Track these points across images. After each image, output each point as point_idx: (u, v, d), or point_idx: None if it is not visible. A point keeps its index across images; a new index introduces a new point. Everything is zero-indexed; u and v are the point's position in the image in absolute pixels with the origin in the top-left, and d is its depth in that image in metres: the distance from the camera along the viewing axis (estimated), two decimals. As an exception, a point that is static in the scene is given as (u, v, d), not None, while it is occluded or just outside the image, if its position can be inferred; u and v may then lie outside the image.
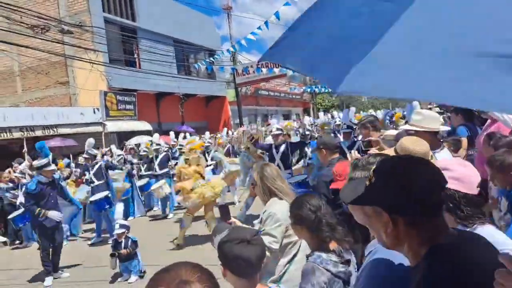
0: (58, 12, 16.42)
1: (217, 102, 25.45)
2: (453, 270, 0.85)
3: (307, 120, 15.45)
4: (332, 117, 15.32)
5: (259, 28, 9.10)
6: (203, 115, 24.94)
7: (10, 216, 7.93)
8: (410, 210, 0.95)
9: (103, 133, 15.37)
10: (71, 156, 12.39)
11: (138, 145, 12.95)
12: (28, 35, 14.28)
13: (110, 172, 8.39)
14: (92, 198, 7.93)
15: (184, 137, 13.10)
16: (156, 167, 9.81)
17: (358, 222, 1.45)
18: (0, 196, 8.67)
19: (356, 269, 1.86)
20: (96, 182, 8.06)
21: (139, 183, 10.00)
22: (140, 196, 10.14)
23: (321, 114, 17.75)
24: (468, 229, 1.40)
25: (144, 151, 10.95)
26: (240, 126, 21.24)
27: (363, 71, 0.82)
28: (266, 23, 8.88)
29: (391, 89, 0.80)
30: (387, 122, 9.93)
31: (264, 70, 21.58)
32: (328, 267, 1.78)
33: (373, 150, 2.77)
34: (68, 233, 8.08)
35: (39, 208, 5.78)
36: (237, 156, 10.30)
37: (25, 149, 11.08)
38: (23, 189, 7.78)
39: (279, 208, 2.59)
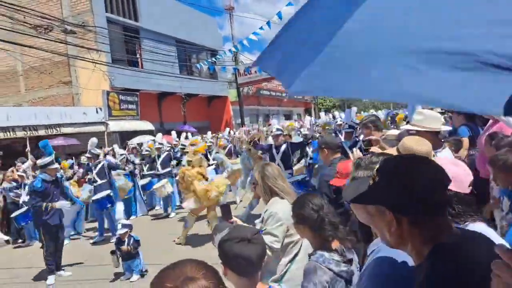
0: (61, 12, 16.47)
1: (219, 102, 25.47)
2: (456, 269, 0.85)
3: (308, 120, 15.45)
4: (334, 117, 15.30)
5: (261, 28, 9.10)
6: (205, 115, 24.96)
7: (12, 215, 7.97)
8: (413, 209, 0.96)
9: (105, 132, 15.40)
10: (73, 158, 12.42)
11: (140, 145, 12.97)
12: (31, 35, 14.32)
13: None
14: (94, 197, 7.96)
15: (186, 137, 13.12)
16: (159, 166, 9.84)
17: (360, 221, 1.46)
18: (3, 195, 8.71)
19: (358, 269, 1.87)
20: (99, 182, 8.08)
21: (141, 182, 10.02)
22: (142, 195, 10.17)
23: (322, 114, 17.73)
24: (460, 226, 1.40)
25: (147, 150, 10.97)
26: (242, 126, 21.25)
27: (312, 72, 0.86)
28: (268, 23, 8.89)
29: (335, 89, 0.85)
30: (388, 122, 9.92)
31: (266, 70, 21.53)
32: (330, 266, 1.78)
33: (374, 149, 2.78)
34: (72, 232, 8.15)
35: (45, 204, 5.82)
36: (238, 156, 10.31)
37: (28, 148, 11.12)
38: (27, 188, 7.83)
39: (281, 208, 2.59)
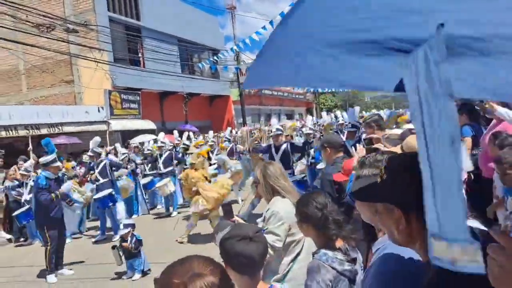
0: (63, 11, 16.48)
1: (220, 102, 25.47)
2: None
3: (310, 119, 15.42)
4: (336, 117, 15.27)
5: (264, 28, 9.09)
6: (206, 114, 24.97)
7: (14, 213, 7.99)
8: (422, 206, 0.95)
9: (107, 131, 15.41)
10: (71, 157, 12.43)
11: (142, 144, 12.97)
12: (33, 33, 14.34)
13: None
14: (96, 196, 7.97)
15: (188, 137, 13.12)
16: (161, 165, 9.84)
17: (364, 220, 1.45)
18: (5, 194, 8.72)
19: (362, 268, 1.86)
20: (101, 180, 8.10)
21: (143, 181, 10.03)
22: (144, 195, 10.17)
23: (324, 113, 17.70)
24: None
25: (148, 150, 10.97)
26: (244, 126, 21.24)
27: (257, 69, 0.98)
28: (271, 22, 8.89)
29: (275, 81, 1.00)
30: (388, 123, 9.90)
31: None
32: (333, 265, 1.77)
33: (379, 145, 2.77)
34: (77, 230, 8.17)
35: (53, 194, 5.88)
36: (239, 158, 10.31)
37: (30, 147, 11.12)
38: (29, 186, 7.84)
39: (282, 207, 2.58)
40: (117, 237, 7.05)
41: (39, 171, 6.57)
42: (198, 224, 7.04)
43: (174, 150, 10.78)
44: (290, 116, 33.43)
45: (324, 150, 3.65)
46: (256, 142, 10.73)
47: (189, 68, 22.97)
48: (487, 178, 3.80)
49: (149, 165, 10.40)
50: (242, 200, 9.36)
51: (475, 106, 5.05)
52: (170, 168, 9.88)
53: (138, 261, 5.53)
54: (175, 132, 13.45)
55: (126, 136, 16.29)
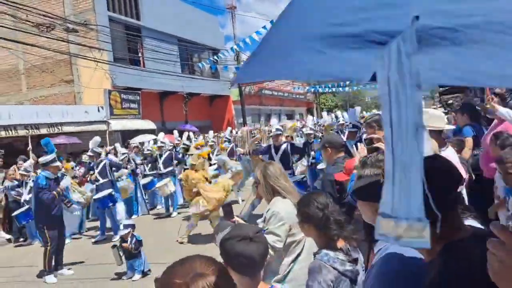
0: (63, 10, 16.47)
1: (220, 101, 25.46)
2: (469, 267, 0.84)
3: (311, 119, 15.41)
4: (336, 117, 15.26)
5: (264, 27, 9.08)
6: (206, 114, 24.96)
7: (14, 213, 7.98)
8: (426, 206, 0.94)
9: (107, 131, 15.39)
10: (70, 157, 12.42)
11: (142, 144, 12.96)
12: (33, 33, 14.32)
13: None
14: (96, 196, 7.96)
15: (188, 137, 13.10)
16: (161, 165, 9.82)
17: (365, 221, 1.44)
18: (5, 194, 8.71)
19: (363, 268, 1.85)
20: (101, 180, 8.08)
21: (143, 181, 10.01)
22: (144, 195, 10.15)
23: (324, 114, 17.69)
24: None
25: (148, 150, 10.95)
26: (244, 126, 21.24)
27: (252, 64, 1.05)
28: (271, 22, 8.86)
29: (265, 74, 1.06)
30: None
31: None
32: (335, 265, 1.76)
33: (379, 145, 2.76)
34: (76, 231, 8.17)
35: (54, 192, 5.89)
36: (239, 159, 10.31)
37: (30, 147, 11.11)
38: (28, 186, 7.82)
39: (283, 207, 2.57)
40: (117, 238, 7.04)
41: (38, 171, 6.56)
42: (198, 225, 7.03)
43: (174, 150, 10.76)
44: (290, 116, 33.43)
45: (325, 150, 3.64)
46: (257, 142, 10.72)
47: (189, 68, 22.96)
48: (488, 179, 3.79)
49: (149, 165, 10.39)
50: (242, 200, 9.35)
51: (476, 107, 5.04)
52: (170, 168, 9.87)
53: (138, 261, 5.52)
54: (175, 132, 13.44)
55: (126, 136, 16.27)
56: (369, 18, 0.70)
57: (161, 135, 11.60)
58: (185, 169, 9.81)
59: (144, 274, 5.51)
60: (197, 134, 16.18)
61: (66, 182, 6.24)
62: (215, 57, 15.22)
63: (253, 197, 7.22)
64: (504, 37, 0.59)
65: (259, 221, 4.46)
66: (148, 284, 5.18)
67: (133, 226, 5.69)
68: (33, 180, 6.50)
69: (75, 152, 13.56)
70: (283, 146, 7.19)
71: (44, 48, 14.40)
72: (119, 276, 5.60)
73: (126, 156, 10.18)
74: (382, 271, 1.24)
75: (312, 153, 8.68)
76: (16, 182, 8.54)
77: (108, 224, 8.04)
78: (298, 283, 2.36)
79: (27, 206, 7.55)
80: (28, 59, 16.25)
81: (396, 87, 0.67)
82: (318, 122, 15.90)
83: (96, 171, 8.15)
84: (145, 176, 10.29)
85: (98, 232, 8.09)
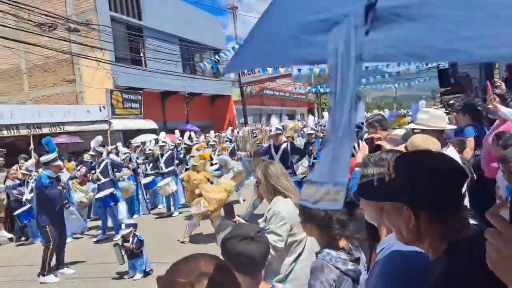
0: (65, 10, 16.50)
1: (222, 101, 25.46)
2: (475, 265, 0.84)
3: (312, 120, 15.41)
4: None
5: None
6: (208, 114, 24.96)
7: (15, 213, 7.99)
8: (432, 204, 0.95)
9: (108, 131, 15.41)
10: (72, 157, 12.44)
11: (144, 143, 12.97)
12: (35, 33, 14.34)
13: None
14: (98, 195, 7.97)
15: (189, 137, 13.10)
16: (162, 165, 9.83)
17: (367, 220, 1.44)
18: (7, 193, 8.73)
19: (365, 268, 1.84)
20: (103, 180, 8.09)
21: (144, 180, 10.02)
22: (145, 194, 10.16)
23: (325, 114, 17.69)
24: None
25: (150, 149, 10.96)
26: (245, 126, 21.23)
27: (238, 56, 1.13)
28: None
29: (253, 64, 1.11)
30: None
31: (270, 69, 21.57)
32: (337, 264, 1.76)
33: (382, 142, 2.76)
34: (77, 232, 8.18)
35: (59, 187, 5.93)
36: (239, 159, 10.31)
37: (32, 146, 11.13)
38: (30, 186, 7.84)
39: (284, 207, 2.57)
40: (118, 237, 7.05)
41: (40, 170, 6.57)
42: (200, 224, 7.03)
43: (175, 150, 10.77)
44: (291, 116, 33.41)
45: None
46: (258, 142, 10.70)
47: (190, 67, 22.98)
48: (489, 179, 3.78)
49: (151, 164, 10.40)
50: (244, 200, 9.36)
51: (478, 107, 5.03)
52: (171, 168, 9.88)
53: (140, 261, 5.52)
54: (177, 132, 13.46)
55: (127, 135, 16.29)
56: (339, 2, 0.75)
57: (162, 135, 11.61)
58: (186, 169, 9.82)
59: (146, 273, 5.52)
60: (199, 134, 16.19)
61: (65, 176, 6.27)
62: (217, 57, 15.22)
63: (255, 197, 7.22)
64: (455, 12, 0.62)
65: (260, 220, 4.45)
66: (150, 284, 5.18)
67: (135, 226, 5.70)
68: (35, 179, 6.48)
69: (77, 151, 13.59)
70: (283, 146, 7.19)
71: (46, 48, 14.43)
72: (121, 275, 5.60)
73: (128, 156, 10.20)
74: (385, 270, 1.23)
75: (314, 153, 8.68)
76: (18, 181, 8.56)
77: (110, 223, 8.05)
78: (300, 283, 2.36)
79: (28, 205, 7.56)
80: (30, 58, 16.27)
81: (342, 58, 0.70)
82: (319, 122, 15.89)
83: (98, 170, 8.16)
84: (146, 175, 10.30)
85: (100, 232, 8.10)
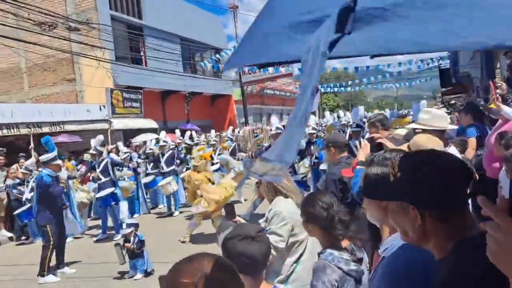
0: (65, 9, 16.49)
1: (222, 101, 25.46)
2: (482, 265, 0.83)
3: (313, 119, 15.39)
4: (338, 117, 15.24)
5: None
6: (208, 113, 24.96)
7: (16, 212, 7.98)
8: (439, 204, 0.94)
9: (109, 130, 15.41)
10: (72, 156, 12.43)
11: (145, 143, 12.97)
12: (35, 32, 14.34)
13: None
14: (98, 195, 7.95)
15: (190, 136, 13.08)
16: (163, 165, 9.82)
17: (369, 220, 1.42)
18: (7, 192, 8.71)
19: (368, 268, 1.83)
20: (103, 179, 8.07)
21: (145, 180, 10.00)
22: (145, 194, 10.15)
23: (327, 113, 17.67)
24: None
25: (150, 149, 10.95)
26: (246, 125, 21.23)
27: (237, 54, 1.21)
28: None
29: (251, 60, 1.15)
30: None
31: (270, 69, 21.56)
32: (339, 265, 1.75)
33: (383, 140, 2.75)
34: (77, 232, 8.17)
35: (61, 184, 5.97)
36: (240, 160, 10.31)
37: (32, 145, 11.12)
38: (30, 185, 7.82)
39: (285, 207, 2.55)
40: (118, 236, 7.03)
41: (40, 169, 6.56)
42: (201, 224, 7.02)
43: (176, 149, 10.76)
44: (292, 116, 33.35)
45: (329, 149, 3.62)
46: (259, 142, 10.68)
47: (191, 67, 22.97)
48: (491, 179, 3.76)
49: (151, 164, 10.39)
50: (245, 200, 9.34)
51: (480, 107, 5.01)
52: (172, 167, 9.86)
53: (141, 261, 5.50)
54: (177, 131, 13.45)
55: (128, 135, 16.28)
56: (325, 4, 0.83)
57: (163, 134, 11.60)
58: (187, 168, 9.81)
59: (148, 274, 5.50)
60: (199, 133, 16.18)
61: (63, 175, 6.27)
62: (217, 56, 15.21)
63: (255, 197, 7.21)
64: (422, 12, 0.73)
65: (261, 221, 4.44)
66: (151, 283, 5.17)
67: (136, 225, 5.67)
68: (36, 178, 6.46)
69: (77, 150, 13.58)
70: None
71: (46, 47, 14.42)
72: (122, 275, 5.59)
73: (128, 155, 10.18)
74: (388, 270, 1.23)
75: (316, 153, 8.66)
76: (18, 181, 8.55)
77: (110, 222, 8.03)
78: (301, 283, 2.35)
79: (28, 205, 7.54)
80: (30, 57, 16.27)
81: (312, 53, 0.77)
82: (319, 123, 15.88)
83: (98, 170, 8.15)
84: (147, 175, 10.28)
85: (100, 231, 8.09)
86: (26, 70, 17.45)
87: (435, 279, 0.94)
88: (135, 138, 14.01)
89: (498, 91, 4.60)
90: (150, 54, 18.92)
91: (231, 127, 18.15)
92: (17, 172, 8.79)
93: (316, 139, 9.27)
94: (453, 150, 3.17)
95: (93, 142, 8.51)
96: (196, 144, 11.86)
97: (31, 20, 14.04)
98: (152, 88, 18.85)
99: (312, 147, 8.78)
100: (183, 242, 6.87)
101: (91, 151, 8.62)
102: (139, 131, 15.81)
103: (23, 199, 8.04)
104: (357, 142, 3.04)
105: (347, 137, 7.68)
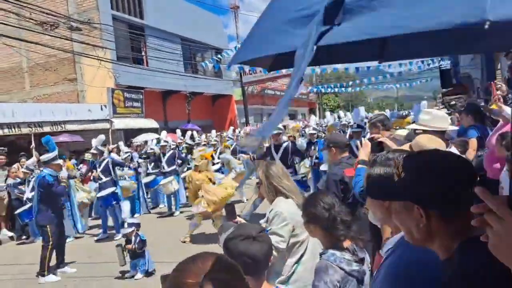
0: (67, 9, 16.51)
1: (223, 101, 25.46)
2: (488, 264, 0.84)
3: (313, 120, 15.39)
4: (339, 117, 15.24)
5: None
6: (209, 113, 24.96)
7: (16, 211, 7.98)
8: (444, 203, 0.95)
9: (110, 130, 15.42)
10: (73, 156, 12.44)
11: (146, 142, 12.98)
12: (37, 31, 14.35)
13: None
14: (99, 194, 7.96)
15: (191, 136, 13.08)
16: (164, 164, 9.82)
17: (371, 221, 1.43)
18: (8, 191, 8.72)
19: (369, 268, 1.83)
20: (104, 179, 8.08)
21: (146, 179, 10.01)
22: (145, 194, 10.15)
23: (327, 114, 17.67)
24: None
25: (151, 149, 10.96)
26: (246, 125, 21.23)
27: (240, 50, 1.33)
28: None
29: (252, 53, 1.22)
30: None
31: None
32: (341, 265, 1.75)
33: (384, 139, 2.75)
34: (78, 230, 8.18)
35: (62, 183, 5.99)
36: (240, 159, 10.31)
37: (33, 145, 11.13)
38: (31, 184, 7.82)
39: (286, 207, 2.55)
40: (119, 236, 7.03)
41: (41, 168, 6.56)
42: (202, 224, 7.02)
43: (177, 149, 10.77)
44: (293, 116, 33.38)
45: (330, 150, 3.62)
46: None
47: (192, 67, 22.97)
48: (491, 179, 3.76)
49: (152, 164, 10.39)
50: (247, 200, 9.34)
51: (481, 108, 5.01)
52: (173, 167, 9.86)
53: (142, 261, 5.50)
54: (178, 131, 13.45)
55: (129, 134, 16.29)
56: (319, 1, 0.90)
57: (164, 134, 11.60)
58: (188, 168, 9.81)
59: (149, 274, 5.50)
60: (200, 133, 16.19)
61: (63, 173, 6.30)
62: (218, 57, 15.21)
63: (255, 197, 7.21)
64: (403, 1, 0.83)
65: (261, 221, 4.45)
66: (152, 283, 5.18)
67: (137, 225, 5.68)
68: (37, 177, 6.45)
69: (78, 150, 13.59)
70: (284, 145, 7.17)
71: (48, 47, 14.43)
72: (123, 274, 5.59)
73: (129, 155, 10.19)
74: (390, 271, 1.23)
75: (316, 153, 8.66)
76: (19, 180, 8.55)
77: (110, 222, 8.04)
78: (302, 284, 2.35)
79: (29, 204, 7.54)
80: (31, 57, 16.29)
81: (304, 45, 0.84)
82: (320, 123, 15.88)
83: (99, 169, 8.16)
84: (148, 174, 10.29)
85: (100, 231, 8.09)
86: (27, 69, 17.47)
87: (440, 279, 0.94)
88: (136, 138, 14.01)
89: (498, 92, 4.60)
90: (151, 54, 18.93)
91: (231, 127, 18.15)
92: (18, 171, 8.80)
93: (316, 140, 9.27)
94: (453, 151, 3.17)
95: (94, 141, 8.51)
96: (198, 144, 11.87)
97: (32, 19, 14.05)
98: (153, 88, 18.86)
99: (312, 148, 8.79)
100: (184, 242, 6.88)
101: (92, 151, 8.63)
102: (140, 131, 15.81)
103: (24, 199, 8.04)
104: (358, 142, 3.04)
105: (347, 137, 7.68)
